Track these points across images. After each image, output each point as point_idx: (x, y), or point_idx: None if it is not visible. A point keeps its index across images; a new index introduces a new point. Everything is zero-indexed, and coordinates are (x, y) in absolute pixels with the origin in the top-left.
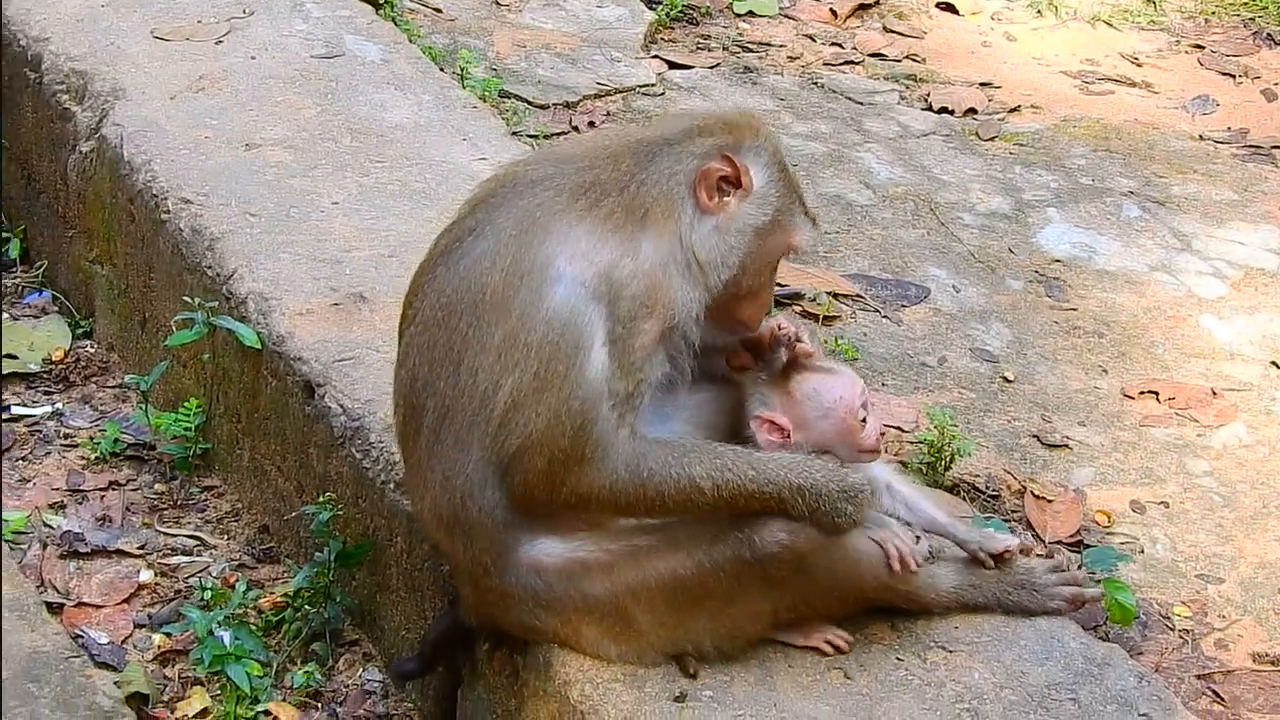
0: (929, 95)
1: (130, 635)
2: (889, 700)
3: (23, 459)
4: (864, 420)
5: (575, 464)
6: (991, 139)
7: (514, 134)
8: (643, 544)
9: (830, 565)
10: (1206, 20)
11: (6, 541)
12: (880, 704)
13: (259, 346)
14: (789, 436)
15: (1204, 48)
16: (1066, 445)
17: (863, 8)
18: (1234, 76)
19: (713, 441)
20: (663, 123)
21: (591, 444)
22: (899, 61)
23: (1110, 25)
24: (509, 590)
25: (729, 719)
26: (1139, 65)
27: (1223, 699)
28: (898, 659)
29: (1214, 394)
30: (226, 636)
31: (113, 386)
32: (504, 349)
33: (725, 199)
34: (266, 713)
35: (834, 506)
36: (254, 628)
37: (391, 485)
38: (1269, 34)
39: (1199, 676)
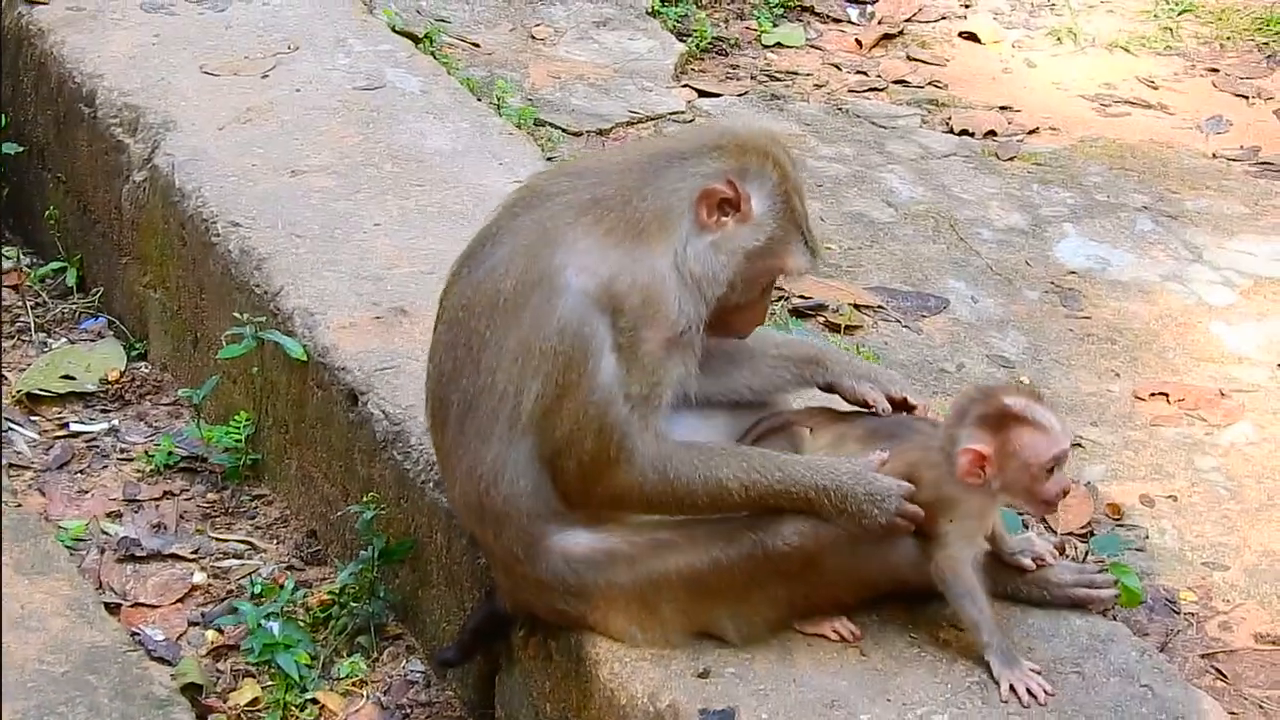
0: (950, 119)
1: (184, 632)
2: (902, 675)
3: (81, 472)
4: (1049, 474)
5: (604, 466)
6: (1010, 159)
7: (549, 159)
8: (664, 538)
9: (842, 561)
10: (1221, 45)
11: (67, 546)
12: (894, 678)
13: (305, 359)
14: (985, 469)
15: (1218, 71)
16: (1079, 444)
17: (887, 38)
18: (1247, 98)
19: (739, 445)
20: (681, 135)
21: (615, 445)
22: (922, 88)
23: (1128, 51)
24: (541, 578)
25: (750, 693)
26: (1155, 88)
27: (1225, 676)
28: (911, 637)
29: (1222, 395)
30: (275, 627)
31: (166, 403)
32: (521, 354)
33: (724, 219)
34: (314, 701)
35: (860, 508)
36: (302, 623)
37: (431, 485)
38: None
39: (1203, 656)
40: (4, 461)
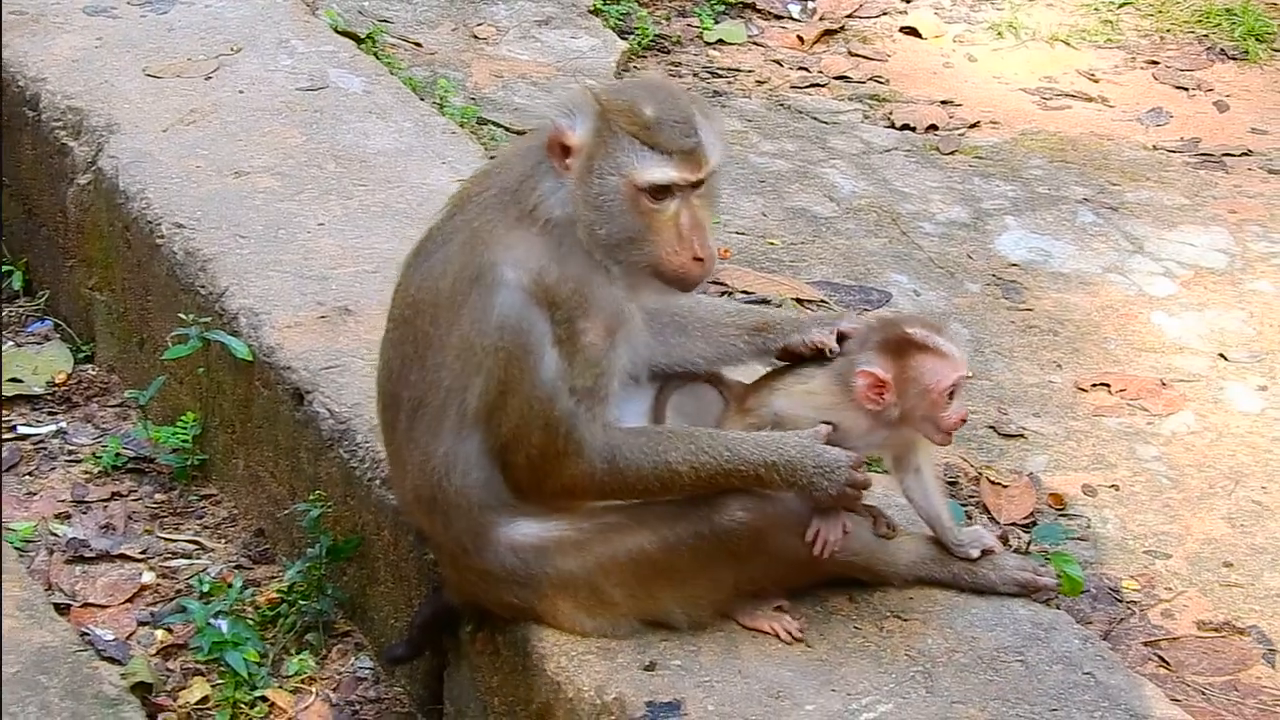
0: (891, 114)
1: (134, 632)
2: (846, 665)
3: (29, 474)
4: (950, 401)
5: (554, 459)
6: (951, 153)
7: (491, 158)
8: (612, 521)
9: (787, 540)
10: (1162, 38)
11: (16, 548)
12: (838, 668)
13: (250, 359)
14: (884, 395)
15: (1159, 63)
16: (1022, 435)
17: (829, 33)
18: (1187, 90)
19: (685, 426)
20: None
21: (562, 439)
22: (863, 83)
23: (1068, 45)
24: (489, 569)
25: (695, 684)
26: (1096, 81)
27: (1168, 663)
28: (855, 628)
29: (1163, 384)
30: (224, 625)
31: (114, 405)
32: (463, 351)
33: (568, 162)
34: (263, 698)
35: (810, 481)
36: (250, 621)
37: (378, 482)
38: (1222, 49)
39: (1145, 643)
40: (2, 457)
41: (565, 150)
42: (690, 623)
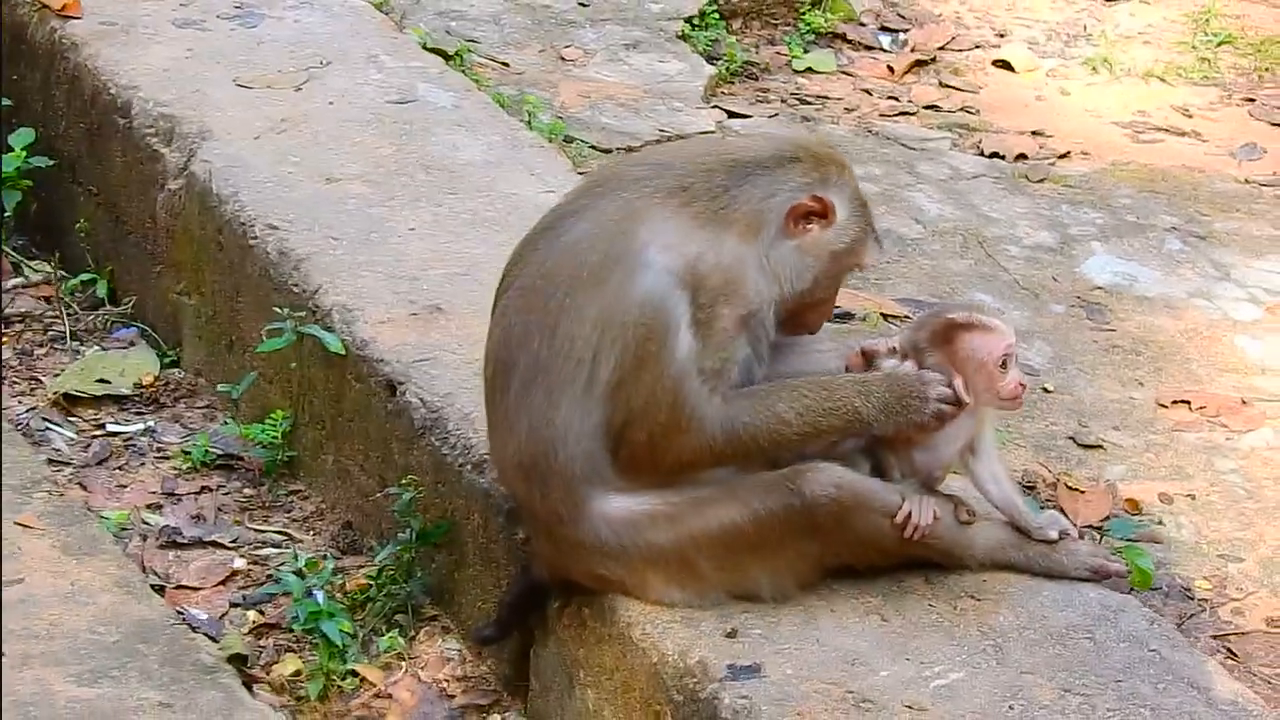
0: (980, 142)
1: (227, 613)
2: (920, 638)
3: (119, 468)
4: (1003, 369)
5: (675, 435)
6: (1040, 181)
7: (580, 172)
8: (703, 495)
9: (872, 519)
10: (1260, 76)
11: (111, 533)
12: (912, 640)
13: (343, 352)
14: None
15: (1255, 100)
16: (1101, 446)
17: (920, 65)
18: None
19: (785, 379)
20: (753, 142)
21: (686, 417)
22: (953, 113)
23: (1163, 81)
24: (582, 540)
25: (774, 651)
26: (1190, 116)
27: (1235, 655)
28: (930, 605)
29: (1244, 403)
30: (320, 596)
31: (201, 406)
32: (602, 323)
33: (809, 226)
34: (354, 672)
35: (900, 406)
36: (341, 604)
37: (469, 467)
38: None
39: (1214, 636)
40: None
41: (811, 217)
42: (776, 595)
